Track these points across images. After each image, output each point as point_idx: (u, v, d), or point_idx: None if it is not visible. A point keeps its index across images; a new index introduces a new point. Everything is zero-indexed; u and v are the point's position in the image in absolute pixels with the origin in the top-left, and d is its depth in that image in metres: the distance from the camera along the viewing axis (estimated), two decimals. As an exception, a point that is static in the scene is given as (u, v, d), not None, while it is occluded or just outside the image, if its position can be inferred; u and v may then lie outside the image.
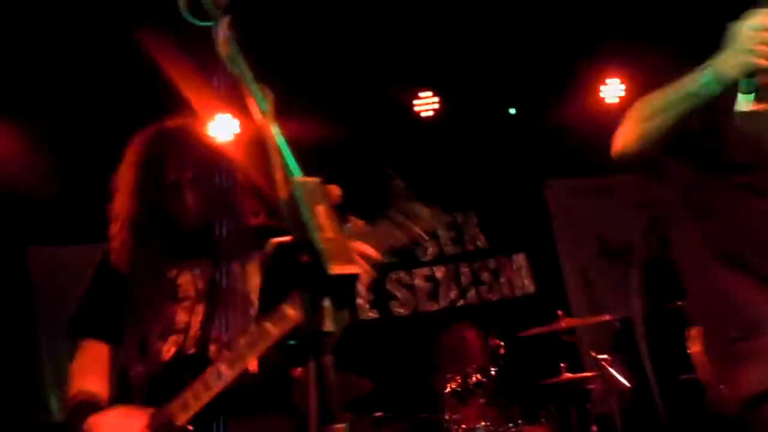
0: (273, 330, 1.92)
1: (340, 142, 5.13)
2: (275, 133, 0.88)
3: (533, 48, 5.19)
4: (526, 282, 5.61)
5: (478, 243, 5.65)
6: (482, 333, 4.20)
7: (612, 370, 3.72)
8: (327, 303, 0.77)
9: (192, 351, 2.03)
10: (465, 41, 5.09)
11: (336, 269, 0.76)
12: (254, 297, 2.07)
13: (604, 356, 3.78)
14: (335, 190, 0.85)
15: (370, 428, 3.60)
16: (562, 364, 4.04)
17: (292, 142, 0.86)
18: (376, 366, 3.83)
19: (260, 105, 0.91)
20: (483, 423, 3.39)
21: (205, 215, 2.05)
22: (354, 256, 0.78)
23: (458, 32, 5.03)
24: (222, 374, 1.90)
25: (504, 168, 5.60)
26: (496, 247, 5.65)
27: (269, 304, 1.84)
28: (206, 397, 1.90)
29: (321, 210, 0.80)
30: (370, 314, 5.26)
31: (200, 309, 2.05)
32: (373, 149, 5.23)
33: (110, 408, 1.96)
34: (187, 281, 2.08)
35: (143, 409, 1.93)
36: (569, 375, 3.98)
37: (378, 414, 3.68)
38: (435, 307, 5.42)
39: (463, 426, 3.40)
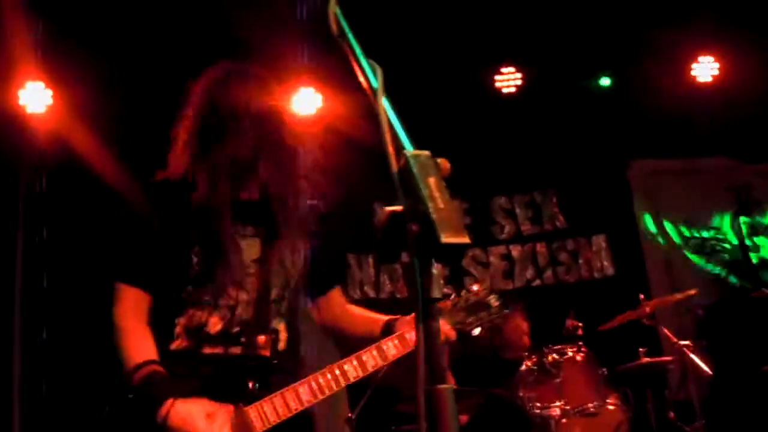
0: (393, 351, 2.01)
1: (419, 119, 5.15)
2: (386, 107, 0.92)
3: (622, 23, 5.05)
4: (606, 264, 5.52)
5: (557, 223, 5.59)
6: (529, 323, 4.24)
7: (693, 357, 3.64)
8: (435, 270, 0.82)
9: (236, 330, 1.99)
10: (550, 16, 5.00)
11: (447, 238, 0.80)
12: (298, 279, 2.09)
13: (686, 342, 3.70)
14: (446, 164, 0.89)
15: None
16: (641, 349, 3.98)
17: (402, 117, 0.90)
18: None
19: (371, 80, 0.95)
20: (558, 402, 3.39)
21: (272, 187, 2.00)
22: (463, 226, 0.81)
23: (543, 7, 4.95)
24: (303, 400, 1.93)
25: (586, 147, 5.49)
26: (575, 228, 5.57)
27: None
28: (284, 416, 1.92)
29: (433, 181, 0.84)
30: (445, 290, 5.29)
31: (250, 285, 2.02)
32: (453, 126, 5.23)
33: (193, 399, 1.89)
34: (240, 248, 2.01)
35: (223, 407, 1.90)
36: (648, 359, 3.92)
37: (453, 386, 3.72)
38: (510, 286, 5.41)
39: (538, 404, 3.41)
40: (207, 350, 1.97)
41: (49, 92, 4.43)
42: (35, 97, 4.40)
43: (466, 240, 0.81)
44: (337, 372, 1.97)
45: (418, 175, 0.84)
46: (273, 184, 2.01)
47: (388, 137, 0.89)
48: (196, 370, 1.96)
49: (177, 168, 2.03)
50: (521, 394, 3.47)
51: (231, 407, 1.91)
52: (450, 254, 0.81)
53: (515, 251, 5.52)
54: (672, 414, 3.95)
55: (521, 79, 5.38)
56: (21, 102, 4.38)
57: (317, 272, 2.15)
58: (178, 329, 1.99)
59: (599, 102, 5.50)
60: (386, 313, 2.26)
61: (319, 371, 1.98)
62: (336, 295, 2.26)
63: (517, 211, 5.58)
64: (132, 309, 1.98)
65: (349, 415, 3.63)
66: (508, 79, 5.41)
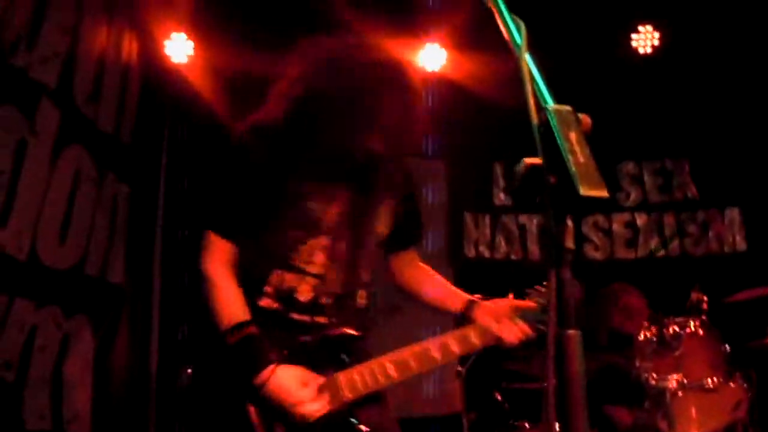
0: (454, 348, 2.00)
1: (549, 78, 5.04)
2: (529, 62, 0.95)
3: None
4: (738, 238, 5.23)
5: (688, 193, 5.34)
6: (646, 300, 4.10)
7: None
8: (569, 222, 0.85)
9: (325, 301, 1.99)
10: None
11: (587, 191, 0.83)
12: (379, 241, 2.06)
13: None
14: (587, 119, 0.91)
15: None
16: (768, 328, 3.79)
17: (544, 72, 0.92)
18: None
19: (514, 36, 0.97)
20: (675, 375, 3.31)
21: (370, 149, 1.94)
22: (602, 180, 0.84)
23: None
24: (389, 375, 1.94)
25: (726, 114, 5.17)
26: (707, 199, 5.30)
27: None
28: (372, 388, 1.94)
29: (573, 136, 0.86)
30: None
31: (339, 251, 2.00)
32: (585, 86, 5.08)
33: (293, 366, 1.91)
34: (328, 212, 1.98)
35: (318, 377, 1.92)
36: (776, 340, 3.73)
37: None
38: (632, 256, 5.26)
39: (654, 375, 3.34)
40: (296, 316, 1.98)
41: (191, 44, 4.69)
42: (179, 48, 4.67)
43: (604, 193, 0.83)
44: (424, 354, 1.98)
45: (558, 128, 0.87)
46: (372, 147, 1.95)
47: (529, 91, 0.92)
48: (282, 332, 1.97)
49: (276, 113, 1.97)
50: (637, 363, 3.41)
51: (323, 378, 1.93)
52: (589, 205, 0.84)
53: (640, 220, 5.34)
54: (799, 399, 3.76)
55: (659, 39, 5.12)
56: (166, 52, 4.65)
57: (398, 230, 2.13)
58: (267, 288, 1.99)
59: (743, 64, 5.14)
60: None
61: (407, 349, 1.98)
62: (412, 254, 2.25)
63: (646, 178, 5.38)
64: (223, 262, 1.96)
65: (459, 369, 3.71)
66: (645, 38, 5.17)
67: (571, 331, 0.84)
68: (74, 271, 3.57)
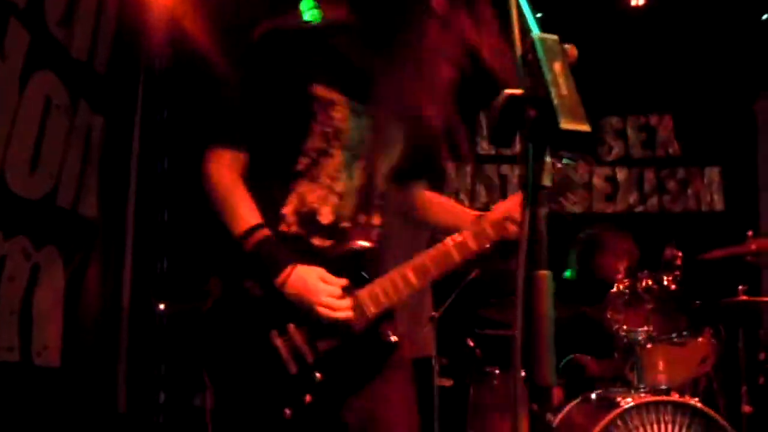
0: (471, 244, 1.90)
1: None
2: (516, -10, 0.89)
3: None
4: (716, 198, 5.27)
5: (670, 150, 5.34)
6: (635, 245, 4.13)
7: (797, 301, 3.48)
8: (547, 158, 0.81)
9: (344, 224, 1.90)
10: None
11: (568, 125, 0.79)
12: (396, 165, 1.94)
13: (792, 285, 3.54)
14: (573, 50, 0.86)
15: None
16: (740, 287, 3.84)
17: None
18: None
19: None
20: (645, 327, 3.35)
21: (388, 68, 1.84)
22: (584, 115, 0.79)
23: None
24: (410, 282, 1.86)
25: (714, 72, 5.14)
26: (689, 157, 5.31)
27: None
28: (395, 300, 1.86)
29: (558, 67, 0.81)
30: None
31: (359, 171, 1.91)
32: (572, 36, 4.99)
33: (311, 265, 1.83)
34: (351, 127, 1.88)
35: (339, 279, 1.84)
36: (746, 297, 3.79)
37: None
38: (611, 210, 5.28)
39: (625, 327, 3.38)
40: (317, 241, 1.88)
41: (172, -28, 4.50)
42: (159, -24, 4.49)
43: (586, 128, 0.79)
44: (442, 256, 1.89)
45: (543, 58, 0.82)
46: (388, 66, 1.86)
47: (515, 17, 0.87)
48: (304, 257, 1.86)
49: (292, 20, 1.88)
50: (608, 315, 3.44)
51: (345, 281, 1.86)
52: (570, 140, 0.80)
53: (621, 174, 5.34)
54: (763, 354, 3.85)
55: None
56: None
57: (411, 158, 2.02)
58: (287, 209, 1.88)
59: (734, 24, 5.08)
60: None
61: (424, 254, 1.90)
62: (422, 184, 2.16)
63: (629, 132, 5.36)
64: (231, 168, 1.86)
65: (433, 314, 3.73)
66: (637, -9, 5.07)
67: (541, 272, 0.81)
68: (45, 202, 3.49)
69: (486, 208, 5.18)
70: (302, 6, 2.03)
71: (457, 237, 1.91)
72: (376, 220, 1.97)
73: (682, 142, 5.33)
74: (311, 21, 1.89)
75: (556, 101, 0.79)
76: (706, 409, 3.14)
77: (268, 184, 1.87)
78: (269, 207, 1.87)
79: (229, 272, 1.88)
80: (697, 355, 3.46)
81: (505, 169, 5.26)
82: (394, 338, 1.88)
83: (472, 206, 5.29)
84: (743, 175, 5.26)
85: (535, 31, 0.86)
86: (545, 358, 0.77)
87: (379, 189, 1.94)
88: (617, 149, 5.36)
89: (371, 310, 1.86)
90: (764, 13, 4.98)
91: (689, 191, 5.29)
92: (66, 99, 3.61)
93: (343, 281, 1.86)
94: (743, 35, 5.05)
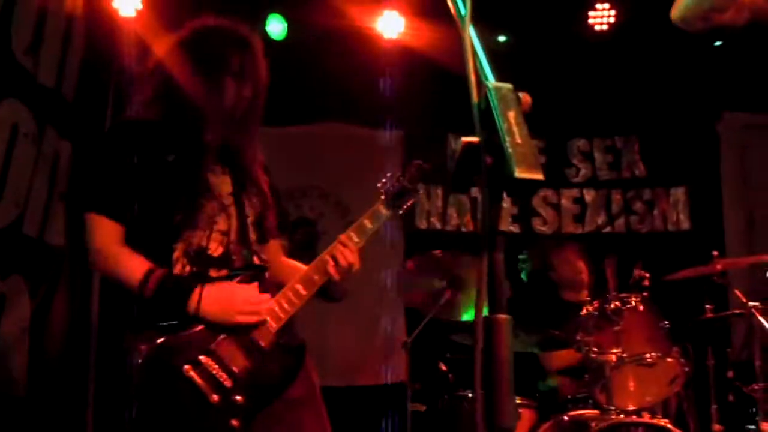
0: (369, 225, 2.12)
1: (504, 52, 5.03)
2: (472, 36, 0.91)
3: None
4: (682, 217, 5.36)
5: (636, 171, 5.43)
6: (590, 263, 4.28)
7: (762, 320, 3.54)
8: (504, 204, 0.82)
9: (235, 254, 2.04)
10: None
11: (521, 173, 0.80)
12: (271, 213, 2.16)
13: (755, 304, 3.60)
14: (527, 98, 0.88)
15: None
16: (707, 306, 3.90)
17: (485, 48, 0.89)
18: (510, 279, 3.89)
19: (459, 7, 0.94)
20: (615, 350, 3.38)
21: (236, 130, 2.08)
22: (538, 163, 0.81)
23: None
24: (302, 295, 2.04)
25: (676, 94, 5.25)
26: (654, 178, 5.41)
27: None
28: (291, 312, 2.02)
29: (512, 115, 0.83)
30: (511, 228, 5.28)
31: (233, 212, 2.07)
32: (537, 61, 5.08)
33: (217, 282, 1.97)
34: (217, 181, 2.07)
35: (251, 285, 1.99)
36: (712, 315, 3.85)
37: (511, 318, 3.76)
38: (579, 231, 5.34)
39: (595, 349, 3.41)
40: (213, 273, 2.00)
41: (141, -4, 4.50)
42: (127, 1, 4.48)
43: (540, 176, 0.81)
44: (321, 265, 2.08)
45: (497, 107, 0.84)
46: (237, 133, 2.09)
47: (471, 66, 0.89)
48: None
49: (143, 107, 2.10)
50: (578, 337, 3.47)
51: (256, 284, 2.00)
52: (522, 189, 0.82)
53: (588, 196, 5.42)
54: (731, 373, 3.90)
55: (614, 16, 5.14)
56: (114, 5, 4.46)
57: (264, 220, 2.20)
58: (176, 254, 1.99)
59: (695, 48, 5.21)
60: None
61: (308, 266, 2.11)
62: (275, 245, 2.29)
63: (596, 154, 5.45)
64: (112, 238, 1.99)
65: (405, 340, 3.74)
66: (602, 16, 5.18)
67: (501, 316, 0.82)
68: (11, 230, 3.44)
69: (456, 230, 5.29)
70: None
71: (333, 245, 2.12)
72: (256, 258, 2.13)
73: (648, 163, 5.43)
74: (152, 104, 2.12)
75: (510, 150, 0.81)
76: (676, 430, 3.17)
77: (152, 243, 1.99)
78: (158, 260, 1.97)
79: (135, 324, 1.97)
80: (667, 375, 3.49)
81: (475, 191, 5.30)
82: (291, 354, 2.04)
83: (443, 228, 5.35)
84: (709, 195, 5.37)
85: (490, 80, 0.88)
86: (506, 401, 0.78)
87: (252, 232, 2.12)
88: (584, 171, 5.44)
89: (273, 325, 2.00)
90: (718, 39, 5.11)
91: (655, 211, 5.38)
92: (33, 126, 3.57)
93: (254, 285, 2.00)
94: (704, 57, 5.18)
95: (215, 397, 1.89)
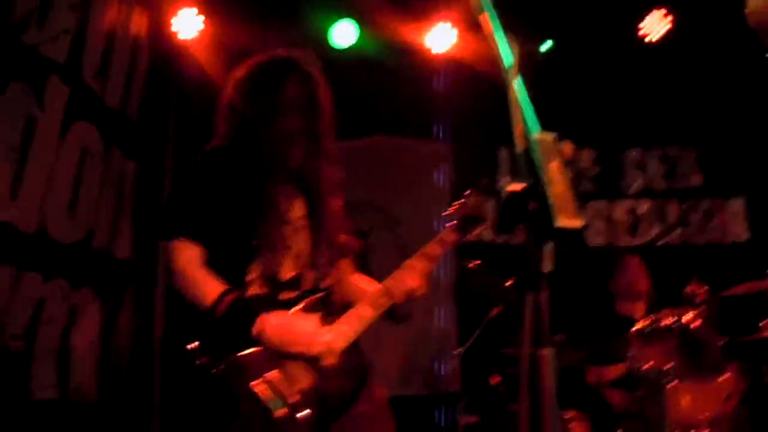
0: (436, 251, 2.19)
1: (555, 62, 5.04)
2: (519, 87, 0.98)
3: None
4: (741, 229, 5.25)
5: (693, 181, 5.35)
6: (648, 272, 4.28)
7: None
8: (548, 247, 0.89)
9: (310, 278, 2.14)
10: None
11: (562, 222, 0.86)
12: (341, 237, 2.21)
13: (815, 321, 3.51)
14: (568, 147, 0.94)
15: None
16: (763, 322, 3.82)
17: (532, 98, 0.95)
18: (562, 291, 3.89)
19: (506, 58, 1.00)
20: (668, 365, 3.36)
21: (297, 157, 2.15)
22: (579, 212, 0.87)
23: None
24: (380, 303, 2.11)
25: (735, 103, 5.16)
26: (712, 188, 5.31)
27: (459, 228, 2.05)
28: (359, 332, 2.09)
29: (554, 165, 0.89)
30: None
31: (305, 236, 2.15)
32: (592, 70, 5.07)
33: (279, 311, 2.04)
34: (290, 205, 2.16)
35: (311, 316, 2.06)
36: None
37: (560, 337, 3.78)
38: (633, 243, 5.29)
39: (647, 364, 3.39)
40: (284, 296, 2.09)
41: (200, 19, 4.68)
42: (187, 24, 4.67)
43: (579, 225, 0.87)
44: (389, 286, 2.14)
45: (540, 158, 0.90)
46: (308, 156, 2.16)
47: (517, 117, 0.95)
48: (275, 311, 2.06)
49: (224, 138, 2.19)
50: (632, 352, 3.46)
51: (316, 316, 2.07)
52: (564, 235, 0.88)
53: (642, 207, 5.36)
54: (791, 391, 3.81)
55: (670, 23, 5.09)
56: (174, 29, 4.65)
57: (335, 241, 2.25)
58: (252, 276, 2.09)
59: (752, 53, 5.10)
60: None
61: (377, 287, 2.17)
62: (346, 263, 2.35)
63: (650, 165, 5.39)
64: (196, 261, 2.07)
65: (457, 351, 3.79)
66: (656, 24, 5.13)
67: (545, 351, 0.88)
68: (81, 245, 3.63)
69: (508, 243, 5.28)
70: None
71: (408, 262, 2.20)
72: (327, 280, 2.20)
73: (705, 174, 5.33)
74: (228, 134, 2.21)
75: (551, 200, 0.87)
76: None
77: (230, 267, 2.08)
78: (234, 280, 2.07)
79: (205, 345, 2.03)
80: (722, 391, 3.45)
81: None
82: (356, 372, 2.11)
83: (494, 240, 5.35)
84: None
85: (535, 131, 0.94)
86: (550, 427, 0.84)
87: (324, 254, 2.19)
88: (639, 181, 5.38)
89: (339, 344, 2.07)
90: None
91: (713, 223, 5.29)
92: (101, 146, 3.78)
93: (316, 316, 2.07)
94: (763, 65, 5.07)
95: (282, 412, 1.96)
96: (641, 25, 5.11)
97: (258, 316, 1.99)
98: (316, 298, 2.12)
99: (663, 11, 5.06)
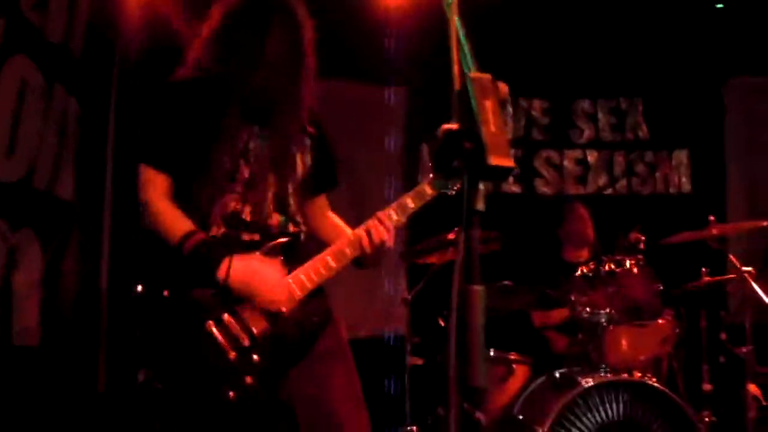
0: (411, 204, 2.15)
1: (509, 11, 5.01)
2: (457, 25, 0.97)
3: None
4: (684, 180, 5.40)
5: (639, 133, 5.45)
6: (593, 220, 4.43)
7: (754, 285, 3.62)
8: (481, 186, 0.89)
9: (268, 219, 2.12)
10: None
11: (494, 161, 0.87)
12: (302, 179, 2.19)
13: (749, 269, 3.68)
14: (504, 88, 0.94)
15: (496, 295, 3.80)
16: (703, 269, 3.98)
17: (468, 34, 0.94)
18: (510, 238, 3.95)
19: (446, -3, 0.99)
20: (608, 310, 3.48)
21: (278, 92, 2.10)
22: (510, 151, 0.88)
23: None
24: (330, 266, 2.11)
25: (683, 57, 5.24)
26: (657, 140, 5.43)
27: (437, 182, 2.02)
28: (318, 282, 2.10)
29: (488, 105, 0.90)
30: (513, 188, 5.34)
31: (271, 179, 2.13)
32: (543, 21, 5.06)
33: (248, 253, 2.05)
34: (256, 146, 2.13)
35: (274, 261, 2.06)
36: (708, 279, 3.93)
37: (506, 282, 3.87)
38: (581, 192, 5.40)
39: (588, 308, 3.51)
40: (246, 237, 2.10)
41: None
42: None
43: (511, 164, 0.88)
44: (357, 241, 2.13)
45: (475, 97, 0.90)
46: (279, 94, 2.11)
47: (455, 56, 0.94)
48: (237, 252, 2.06)
49: (195, 68, 2.15)
50: (572, 297, 3.57)
51: (278, 262, 2.07)
52: (495, 174, 0.89)
53: (591, 157, 5.46)
54: (724, 335, 4.00)
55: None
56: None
57: (309, 175, 2.25)
58: (213, 218, 2.09)
59: (703, 9, 5.17)
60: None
61: (341, 239, 2.15)
62: (321, 201, 2.35)
63: (600, 116, 5.46)
64: (163, 192, 2.09)
65: (406, 296, 3.84)
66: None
67: (475, 286, 0.90)
68: (21, 185, 3.51)
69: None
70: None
71: (368, 222, 2.17)
72: (292, 226, 2.20)
73: (651, 126, 5.44)
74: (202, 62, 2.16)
75: (485, 138, 0.87)
76: (662, 387, 3.29)
77: (194, 200, 2.09)
78: (197, 217, 2.08)
79: (164, 277, 2.06)
80: (658, 335, 3.60)
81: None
82: (315, 319, 2.14)
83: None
84: (711, 159, 5.39)
85: (470, 70, 0.94)
86: (477, 363, 0.86)
87: (289, 196, 2.17)
88: (588, 132, 5.46)
89: (297, 293, 2.08)
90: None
91: (657, 174, 5.42)
92: (41, 82, 3.62)
93: (276, 262, 2.07)
94: (711, 20, 5.15)
95: (233, 354, 2.00)
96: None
97: (222, 259, 2.00)
98: (279, 243, 2.11)
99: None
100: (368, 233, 2.12)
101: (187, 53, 2.18)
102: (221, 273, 2.00)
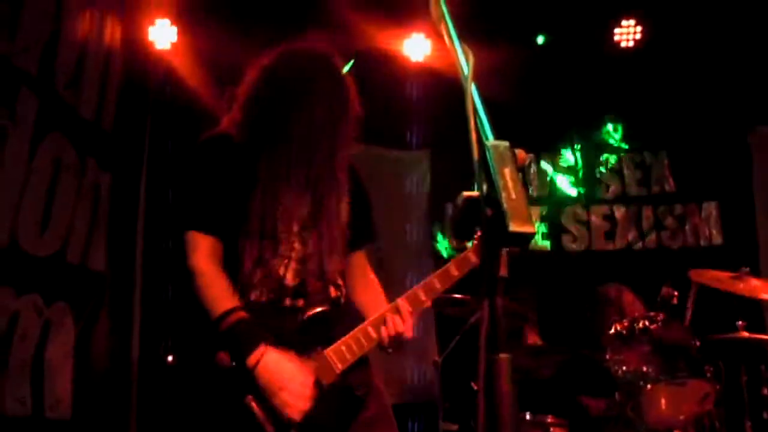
0: (454, 272, 2.10)
1: (530, 67, 5.09)
2: (474, 95, 0.99)
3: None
4: (714, 232, 5.32)
5: (666, 186, 5.41)
6: (640, 297, 4.15)
7: (794, 337, 3.51)
8: (504, 252, 0.90)
9: (312, 283, 2.08)
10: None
11: (515, 227, 0.88)
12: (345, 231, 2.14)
13: (789, 321, 3.57)
14: (522, 154, 0.95)
15: (528, 357, 3.73)
16: (739, 322, 3.87)
17: (487, 103, 0.96)
18: (540, 297, 3.91)
19: (463, 66, 1.01)
20: (645, 368, 3.38)
21: (321, 154, 2.05)
22: (532, 217, 0.88)
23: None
24: (371, 337, 2.04)
25: (706, 108, 5.23)
26: (685, 192, 5.38)
27: (456, 248, 1.97)
28: (359, 354, 2.04)
29: (507, 172, 0.91)
30: (540, 245, 5.30)
31: (312, 240, 2.09)
32: (568, 78, 5.13)
33: (282, 349, 1.98)
34: (297, 206, 2.08)
35: (306, 361, 1.99)
36: (746, 333, 3.82)
37: (539, 343, 3.80)
38: (610, 247, 5.33)
39: (624, 368, 3.42)
40: (288, 302, 2.07)
41: (175, 29, 4.67)
42: (162, 34, 4.65)
43: (532, 230, 0.88)
44: (400, 306, 2.07)
45: (494, 165, 0.91)
46: (322, 158, 2.07)
47: (472, 125, 0.96)
48: (277, 320, 2.04)
49: (233, 127, 2.11)
50: (608, 356, 3.48)
51: (312, 362, 2.01)
52: (517, 241, 0.89)
53: (618, 212, 5.41)
54: (766, 390, 3.85)
55: (641, 32, 5.16)
56: (150, 38, 4.63)
57: (348, 231, 2.19)
58: (256, 279, 2.04)
59: (724, 61, 5.19)
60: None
61: (382, 310, 2.08)
62: (359, 257, 2.29)
63: (626, 171, 5.45)
64: (210, 255, 2.03)
65: (436, 359, 3.79)
66: (628, 32, 5.21)
67: (501, 355, 0.89)
68: (55, 259, 3.59)
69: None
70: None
71: (410, 292, 2.11)
72: (333, 289, 2.15)
73: (678, 179, 5.40)
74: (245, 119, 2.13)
75: (505, 206, 0.88)
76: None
77: (236, 262, 2.04)
78: (241, 279, 2.04)
79: (202, 346, 2.02)
80: (698, 393, 3.48)
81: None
82: (359, 392, 2.07)
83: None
84: (741, 210, 5.31)
85: (489, 139, 0.95)
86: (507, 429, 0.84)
87: (330, 258, 2.11)
88: (614, 187, 5.44)
89: (338, 366, 2.04)
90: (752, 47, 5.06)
91: (687, 227, 5.35)
92: (75, 158, 3.74)
93: (309, 362, 2.00)
94: (734, 69, 5.16)
95: (270, 429, 1.94)
96: (615, 31, 5.18)
97: (257, 345, 1.95)
98: (320, 312, 2.07)
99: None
100: (385, 323, 2.05)
101: (222, 116, 2.16)
102: (251, 361, 1.94)
